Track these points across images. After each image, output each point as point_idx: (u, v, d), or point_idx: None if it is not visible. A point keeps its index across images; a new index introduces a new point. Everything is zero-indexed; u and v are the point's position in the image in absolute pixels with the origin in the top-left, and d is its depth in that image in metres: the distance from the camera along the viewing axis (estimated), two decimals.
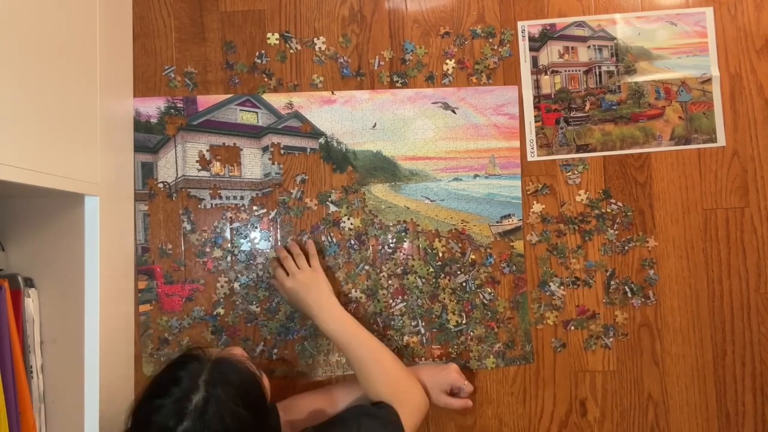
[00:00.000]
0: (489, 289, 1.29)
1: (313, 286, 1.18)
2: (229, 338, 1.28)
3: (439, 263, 1.29)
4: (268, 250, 1.29)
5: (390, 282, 1.29)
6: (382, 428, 0.99)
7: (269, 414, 0.93)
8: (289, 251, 1.25)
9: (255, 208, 1.30)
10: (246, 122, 1.32)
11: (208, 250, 1.29)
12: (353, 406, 1.10)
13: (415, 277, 1.28)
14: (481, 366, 1.28)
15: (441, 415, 1.28)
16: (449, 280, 1.29)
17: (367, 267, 1.29)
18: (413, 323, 1.28)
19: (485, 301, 1.29)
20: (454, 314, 1.28)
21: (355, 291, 1.28)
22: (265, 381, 0.98)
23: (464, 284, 1.29)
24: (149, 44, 1.32)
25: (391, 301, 1.29)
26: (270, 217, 1.30)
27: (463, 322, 1.28)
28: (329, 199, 1.30)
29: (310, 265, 1.22)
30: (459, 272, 1.29)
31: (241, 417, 0.84)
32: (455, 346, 1.28)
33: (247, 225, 1.30)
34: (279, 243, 1.29)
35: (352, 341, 1.11)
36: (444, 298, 1.28)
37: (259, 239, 1.30)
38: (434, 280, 1.29)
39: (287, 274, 1.21)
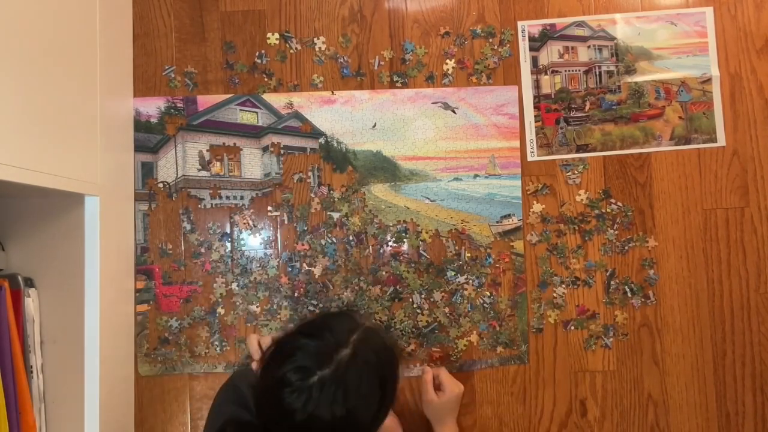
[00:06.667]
0: (488, 292, 1.29)
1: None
2: (224, 338, 1.28)
3: (439, 261, 1.29)
4: (267, 250, 1.29)
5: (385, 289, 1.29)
6: None
7: (394, 398, 0.91)
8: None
9: (253, 210, 1.30)
10: (246, 122, 1.32)
11: (204, 251, 1.29)
12: None
13: (414, 279, 1.29)
14: (477, 366, 1.28)
15: None
16: (447, 281, 1.29)
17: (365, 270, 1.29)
18: (412, 326, 1.29)
19: (486, 302, 1.29)
20: (438, 315, 1.28)
21: (348, 293, 1.29)
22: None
23: (464, 285, 1.29)
24: (149, 44, 1.32)
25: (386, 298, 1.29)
26: (282, 219, 1.30)
27: (434, 321, 1.28)
28: (332, 206, 1.30)
29: None
30: (458, 273, 1.29)
31: (374, 389, 0.84)
32: (455, 350, 1.28)
33: (247, 225, 1.30)
34: (280, 243, 1.29)
35: None
36: (440, 304, 1.28)
37: (259, 239, 1.30)
38: (433, 281, 1.29)
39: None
